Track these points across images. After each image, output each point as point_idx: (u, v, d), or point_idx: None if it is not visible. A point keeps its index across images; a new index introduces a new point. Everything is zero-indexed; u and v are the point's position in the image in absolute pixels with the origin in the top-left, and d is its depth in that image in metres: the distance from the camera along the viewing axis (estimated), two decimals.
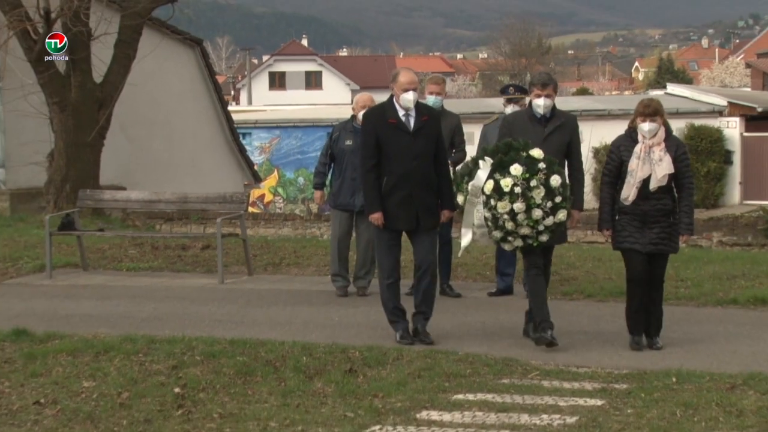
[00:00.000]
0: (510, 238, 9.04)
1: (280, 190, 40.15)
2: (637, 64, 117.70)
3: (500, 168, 8.81)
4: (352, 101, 13.80)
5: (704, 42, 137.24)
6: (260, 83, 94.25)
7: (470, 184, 9.20)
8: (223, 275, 14.74)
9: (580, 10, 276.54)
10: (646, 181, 8.94)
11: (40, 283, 14.92)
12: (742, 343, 10.17)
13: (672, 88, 43.95)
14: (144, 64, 24.21)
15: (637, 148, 8.95)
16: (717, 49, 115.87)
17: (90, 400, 8.41)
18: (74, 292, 14.15)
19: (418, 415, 7.92)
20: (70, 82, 22.64)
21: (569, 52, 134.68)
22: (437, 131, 10.11)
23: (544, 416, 7.78)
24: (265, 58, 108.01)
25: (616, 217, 9.33)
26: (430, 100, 12.12)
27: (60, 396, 8.55)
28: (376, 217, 10.11)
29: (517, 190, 8.68)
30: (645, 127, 8.93)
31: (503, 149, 8.98)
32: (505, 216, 8.78)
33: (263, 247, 17.41)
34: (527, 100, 12.80)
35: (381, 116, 10.08)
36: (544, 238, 9.08)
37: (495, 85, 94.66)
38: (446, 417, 7.85)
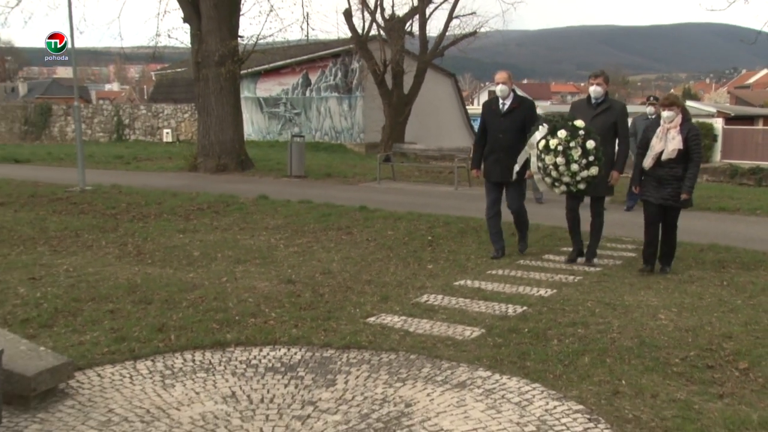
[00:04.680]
0: (557, 184, 7.02)
1: None
2: (672, 90, 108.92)
3: (552, 132, 6.91)
4: None
5: (707, 80, 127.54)
6: (483, 96, 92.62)
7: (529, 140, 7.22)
8: (457, 186, 14.68)
9: (644, 62, 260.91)
10: (662, 154, 6.89)
11: (374, 186, 15.13)
12: (709, 228, 9.53)
13: (690, 104, 42.75)
14: (426, 84, 24.16)
15: (658, 130, 6.96)
16: (713, 84, 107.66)
17: (390, 239, 8.55)
18: (388, 190, 14.29)
19: (543, 256, 7.78)
20: (394, 93, 22.81)
21: (638, 83, 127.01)
22: (523, 115, 7.53)
23: (605, 260, 7.52)
24: (487, 83, 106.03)
25: (643, 178, 7.18)
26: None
27: (377, 237, 8.72)
28: (474, 172, 8.12)
29: (560, 148, 6.81)
30: (664, 114, 6.93)
31: (557, 119, 7.09)
32: (551, 167, 6.91)
33: None
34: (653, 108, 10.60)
35: (489, 104, 7.89)
36: (581, 186, 6.98)
37: None
38: (558, 257, 7.68)
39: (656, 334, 4.97)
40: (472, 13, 23.88)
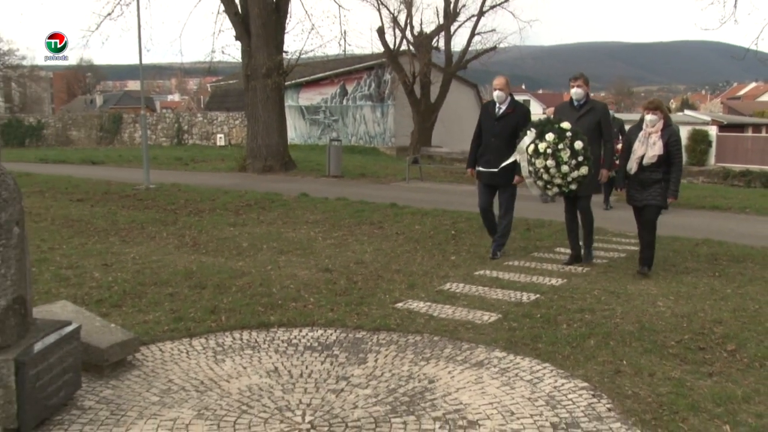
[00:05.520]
0: (549, 186, 6.38)
1: None
2: (672, 101, 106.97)
3: (540, 136, 6.25)
4: (543, 113, 12.62)
5: (703, 92, 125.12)
6: None
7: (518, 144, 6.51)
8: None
9: (646, 75, 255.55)
10: (643, 158, 6.24)
11: (403, 185, 15.07)
12: (704, 225, 9.41)
13: (687, 112, 42.52)
14: (451, 94, 24.00)
15: (641, 134, 6.31)
16: (708, 96, 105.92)
17: (417, 233, 8.49)
18: (416, 189, 14.19)
19: (555, 249, 7.65)
20: (422, 102, 22.73)
21: (641, 94, 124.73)
22: (517, 120, 6.84)
23: (610, 253, 7.42)
24: None
25: (626, 181, 6.46)
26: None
27: (406, 231, 8.66)
28: (468, 171, 7.47)
29: (549, 151, 6.17)
30: (648, 117, 6.28)
31: (544, 123, 6.40)
32: (542, 170, 6.26)
33: None
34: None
35: (486, 107, 7.26)
36: (573, 187, 6.34)
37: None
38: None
39: (655, 320, 4.93)
40: (492, 30, 23.85)
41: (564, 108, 6.92)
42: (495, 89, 7.09)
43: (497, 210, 7.35)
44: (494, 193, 7.22)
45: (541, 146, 6.24)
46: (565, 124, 6.30)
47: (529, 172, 6.43)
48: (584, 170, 6.27)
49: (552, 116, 6.84)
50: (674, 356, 4.23)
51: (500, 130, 6.96)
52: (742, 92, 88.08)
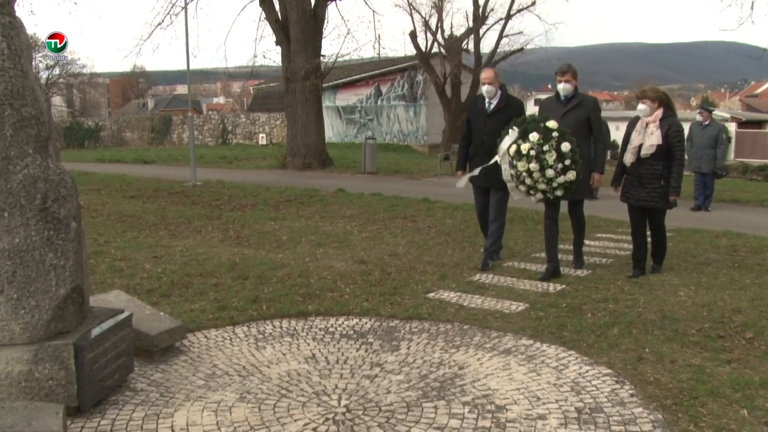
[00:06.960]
0: (532, 192, 5.44)
1: None
2: (693, 98, 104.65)
3: (524, 136, 5.29)
4: None
5: (722, 90, 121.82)
6: (530, 104, 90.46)
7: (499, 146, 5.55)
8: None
9: (668, 74, 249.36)
10: (641, 149, 5.51)
11: (435, 181, 15.01)
12: (723, 217, 9.21)
13: None
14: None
15: (638, 124, 5.57)
16: (727, 94, 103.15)
17: (448, 227, 8.44)
18: (447, 185, 13.94)
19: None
20: (452, 101, 22.59)
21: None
22: (511, 115, 5.73)
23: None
24: (533, 92, 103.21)
25: (625, 176, 5.76)
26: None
27: (437, 224, 8.61)
28: (458, 174, 6.43)
29: (533, 152, 5.22)
30: (639, 107, 5.58)
31: (528, 121, 5.42)
32: (524, 173, 5.31)
33: None
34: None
35: (475, 103, 6.28)
36: (558, 193, 5.39)
37: (631, 108, 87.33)
38: (593, 242, 7.29)
39: (676, 309, 4.83)
40: (519, 33, 23.72)
41: (549, 103, 5.99)
42: (483, 83, 6.07)
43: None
44: (489, 197, 6.33)
45: (524, 147, 5.30)
46: (552, 123, 5.36)
47: (511, 175, 5.52)
48: (571, 175, 5.33)
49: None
50: (695, 344, 4.15)
51: (492, 127, 5.92)
52: (759, 90, 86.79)
